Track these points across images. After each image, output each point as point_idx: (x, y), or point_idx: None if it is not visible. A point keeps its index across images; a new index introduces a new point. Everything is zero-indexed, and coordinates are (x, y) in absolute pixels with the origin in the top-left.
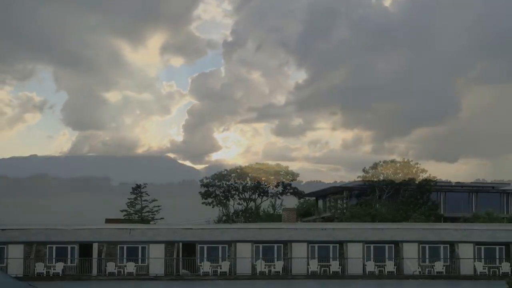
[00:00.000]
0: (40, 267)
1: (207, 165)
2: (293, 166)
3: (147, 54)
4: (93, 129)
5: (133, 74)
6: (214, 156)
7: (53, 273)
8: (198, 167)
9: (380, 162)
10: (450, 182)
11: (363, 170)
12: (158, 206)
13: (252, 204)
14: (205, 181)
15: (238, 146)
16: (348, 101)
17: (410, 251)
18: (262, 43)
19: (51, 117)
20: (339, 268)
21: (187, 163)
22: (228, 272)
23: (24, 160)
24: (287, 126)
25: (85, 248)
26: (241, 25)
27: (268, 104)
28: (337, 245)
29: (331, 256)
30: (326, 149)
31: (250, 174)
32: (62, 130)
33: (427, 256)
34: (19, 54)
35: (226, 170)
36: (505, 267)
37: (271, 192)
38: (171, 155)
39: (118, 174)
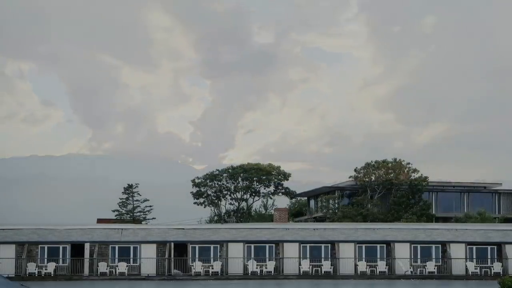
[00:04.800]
0: (31, 267)
1: (206, 165)
2: (294, 167)
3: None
4: (107, 128)
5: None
6: (223, 156)
7: (45, 273)
8: (198, 167)
9: (371, 162)
10: (446, 182)
11: (355, 170)
12: (150, 206)
13: (243, 204)
14: (196, 181)
15: (252, 145)
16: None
17: (402, 251)
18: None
19: (69, 116)
20: (330, 268)
21: (187, 162)
22: (219, 272)
23: (24, 160)
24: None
25: (77, 248)
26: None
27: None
28: (329, 245)
29: (322, 256)
30: (346, 149)
31: (242, 174)
32: (77, 128)
33: (418, 256)
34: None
35: (217, 170)
36: (496, 267)
37: (262, 192)
38: (173, 155)
39: (119, 174)
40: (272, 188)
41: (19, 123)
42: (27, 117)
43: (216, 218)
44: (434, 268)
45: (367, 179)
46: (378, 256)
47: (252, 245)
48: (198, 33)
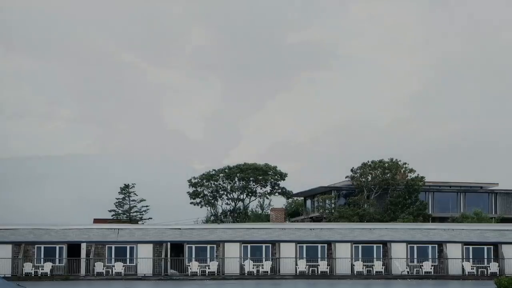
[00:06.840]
0: (28, 267)
1: (206, 165)
2: (297, 167)
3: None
4: (113, 127)
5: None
6: (226, 155)
7: (42, 273)
8: (198, 166)
9: (368, 161)
10: (442, 182)
11: (351, 170)
12: (147, 206)
13: (240, 204)
14: (193, 181)
15: (256, 145)
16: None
17: (398, 251)
18: None
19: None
20: (327, 268)
21: (187, 162)
22: (216, 272)
23: (24, 160)
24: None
25: (74, 248)
26: None
27: None
28: (325, 245)
29: (319, 256)
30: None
31: (238, 174)
32: (83, 127)
33: (415, 256)
34: None
35: (214, 170)
36: (493, 267)
37: (259, 192)
38: (175, 154)
39: (118, 173)
40: (268, 188)
41: (23, 123)
42: (31, 116)
43: (212, 218)
44: (431, 268)
45: (363, 179)
46: (375, 256)
47: (249, 245)
48: (208, 32)
